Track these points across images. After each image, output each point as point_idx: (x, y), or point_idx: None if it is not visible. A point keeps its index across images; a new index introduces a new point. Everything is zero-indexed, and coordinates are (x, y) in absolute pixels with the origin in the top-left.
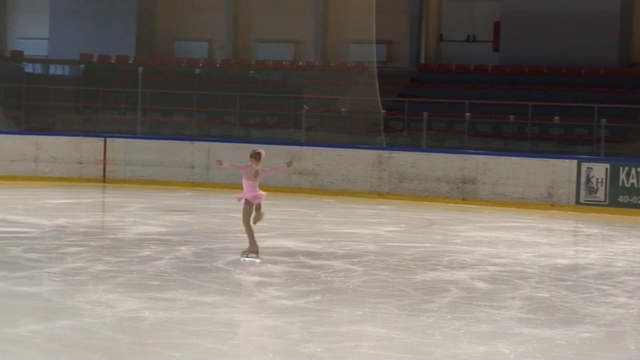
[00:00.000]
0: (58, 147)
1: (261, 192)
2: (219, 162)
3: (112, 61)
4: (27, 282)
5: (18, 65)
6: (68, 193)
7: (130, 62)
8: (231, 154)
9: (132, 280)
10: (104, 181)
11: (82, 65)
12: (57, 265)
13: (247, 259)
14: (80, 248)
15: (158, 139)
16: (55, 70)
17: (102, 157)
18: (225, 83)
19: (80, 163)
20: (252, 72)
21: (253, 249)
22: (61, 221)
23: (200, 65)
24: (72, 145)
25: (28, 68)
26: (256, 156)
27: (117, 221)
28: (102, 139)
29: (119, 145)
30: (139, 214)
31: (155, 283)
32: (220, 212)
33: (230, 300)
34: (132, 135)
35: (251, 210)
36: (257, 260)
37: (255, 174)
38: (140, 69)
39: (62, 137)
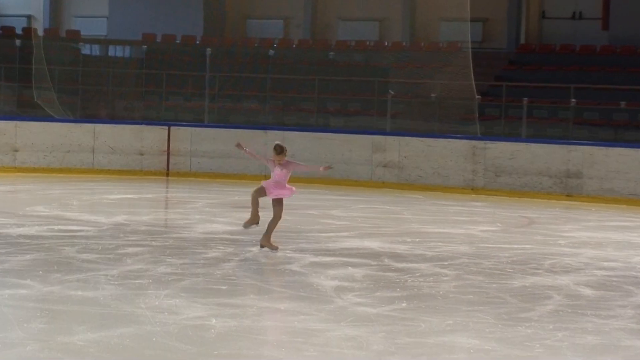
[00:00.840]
0: (117, 136)
1: (287, 191)
2: (240, 146)
3: (178, 42)
4: (82, 286)
5: (75, 47)
6: (128, 187)
7: (198, 42)
8: (309, 145)
9: (198, 284)
10: (167, 174)
11: (145, 47)
12: (115, 267)
13: (251, 231)
14: (140, 248)
15: (227, 128)
16: (115, 51)
17: (165, 148)
18: (302, 66)
19: (142, 154)
20: (332, 53)
21: (254, 220)
22: (120, 218)
23: (275, 45)
24: (132, 134)
25: (85, 49)
26: (277, 149)
27: (182, 219)
28: (166, 127)
29: (184, 135)
30: (205, 211)
31: (223, 288)
32: (296, 208)
33: (306, 307)
34: (199, 123)
35: (262, 193)
36: (275, 250)
37: (280, 167)
38: (209, 51)
39: (122, 126)
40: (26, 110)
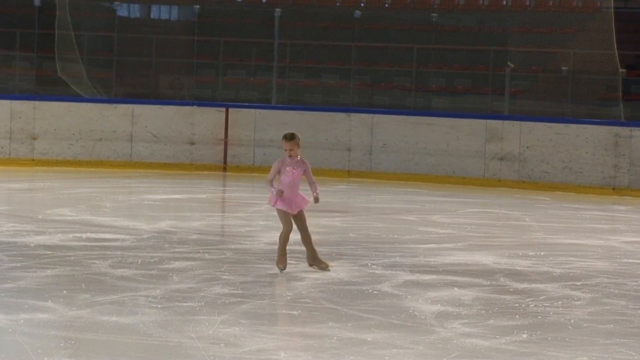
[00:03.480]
0: (162, 121)
1: (302, 199)
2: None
3: (238, 0)
4: (118, 310)
5: (109, 6)
6: (175, 185)
7: (264, 1)
8: (404, 131)
9: (263, 308)
10: (224, 169)
11: (197, 7)
12: (159, 286)
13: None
14: (190, 262)
15: (300, 110)
16: (160, 13)
17: (222, 136)
18: (396, 31)
19: (192, 143)
20: (434, 14)
21: (280, 263)
22: (165, 225)
23: (362, 5)
24: (181, 118)
25: (122, 10)
26: (287, 136)
27: (242, 225)
28: (223, 109)
29: (246, 119)
30: (272, 216)
31: (295, 313)
32: (388, 213)
33: (400, 338)
34: (265, 104)
35: (289, 221)
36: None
37: (293, 165)
38: (278, 12)
39: (168, 108)
40: (47, 87)
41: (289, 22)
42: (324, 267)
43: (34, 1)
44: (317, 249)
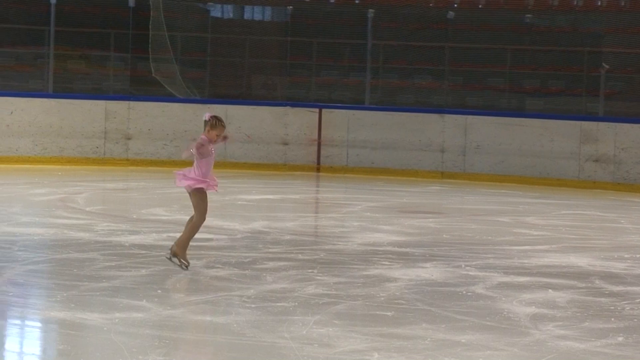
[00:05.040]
0: (255, 121)
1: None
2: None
3: (332, 1)
4: (211, 310)
5: (202, 7)
6: (268, 186)
7: (357, 1)
8: (497, 132)
9: (356, 309)
10: (317, 169)
11: (290, 7)
12: (253, 286)
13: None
14: (284, 263)
15: (393, 111)
16: (253, 13)
17: (315, 136)
18: (490, 32)
19: (286, 144)
20: (528, 15)
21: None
22: (258, 225)
23: (455, 6)
24: (274, 118)
25: (216, 11)
26: (223, 123)
27: (336, 226)
28: (317, 110)
29: (339, 119)
30: (365, 217)
31: (389, 314)
32: (481, 214)
33: (494, 340)
34: (358, 105)
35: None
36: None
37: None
38: (371, 12)
39: (261, 108)
40: (141, 87)
41: (382, 22)
42: (184, 264)
43: (129, 2)
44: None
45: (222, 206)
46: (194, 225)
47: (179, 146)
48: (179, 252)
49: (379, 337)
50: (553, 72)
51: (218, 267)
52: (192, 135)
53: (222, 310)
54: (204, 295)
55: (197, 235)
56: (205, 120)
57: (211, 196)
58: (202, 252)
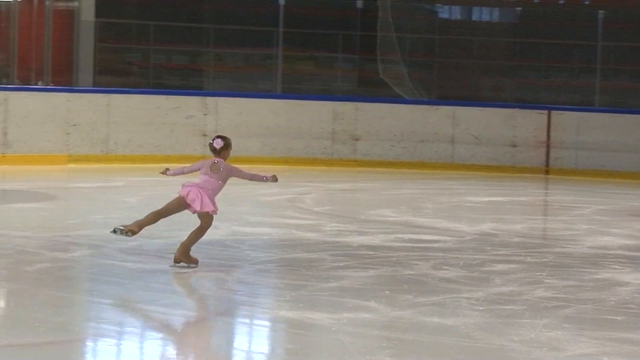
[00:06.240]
0: (483, 123)
1: (212, 205)
2: (165, 171)
3: (561, 2)
4: (439, 311)
5: (430, 9)
6: (496, 187)
7: (587, 2)
8: None
9: (585, 313)
10: (546, 171)
11: (519, 9)
12: (481, 288)
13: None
14: (512, 265)
15: (623, 113)
16: (481, 15)
17: (544, 138)
18: None
19: (514, 146)
20: None
21: (131, 227)
22: (486, 227)
23: None
24: (502, 120)
25: (444, 12)
26: (209, 146)
27: (565, 229)
28: (545, 112)
29: (568, 121)
30: (595, 220)
31: (618, 318)
32: None
33: None
34: (588, 107)
35: (173, 209)
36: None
37: (213, 168)
38: (601, 14)
39: (489, 110)
40: (369, 89)
41: (613, 23)
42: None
43: (357, 3)
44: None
45: (449, 208)
46: (202, 230)
47: (406, 147)
48: (182, 258)
49: (608, 342)
50: None
51: (446, 269)
52: (419, 137)
53: (450, 312)
54: (431, 297)
55: (424, 237)
56: (226, 144)
57: (439, 198)
58: (430, 253)
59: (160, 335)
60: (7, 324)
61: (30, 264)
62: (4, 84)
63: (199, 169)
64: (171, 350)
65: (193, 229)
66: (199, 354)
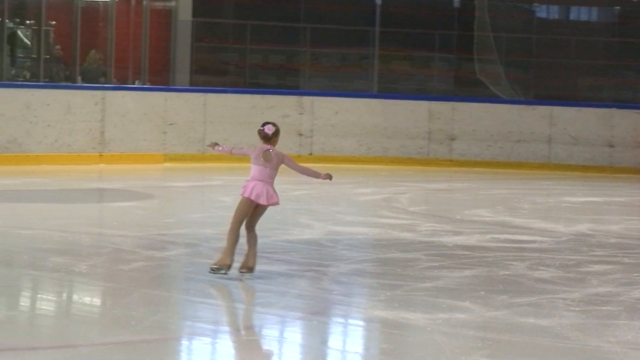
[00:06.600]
0: (580, 123)
1: (275, 194)
2: (213, 145)
3: None
4: (535, 312)
5: (527, 8)
6: (593, 188)
7: None
8: None
9: None
10: None
11: (617, 8)
12: (577, 289)
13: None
14: (609, 266)
15: None
16: (579, 14)
17: None
18: None
19: (611, 146)
20: None
21: (225, 262)
22: (583, 228)
23: None
24: (600, 120)
25: (541, 11)
26: (259, 133)
27: None
28: None
29: None
30: None
31: None
32: None
33: None
34: None
35: (247, 212)
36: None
37: (266, 157)
38: None
39: (587, 110)
40: (465, 88)
41: None
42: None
43: (454, 3)
44: None
45: (546, 208)
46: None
47: (503, 147)
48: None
49: None
50: None
51: (542, 269)
52: (516, 137)
53: (546, 313)
54: (527, 298)
55: (520, 237)
56: (277, 130)
57: (536, 198)
58: (526, 254)
59: (255, 334)
60: (103, 323)
61: (126, 263)
62: (101, 84)
63: (248, 155)
64: (266, 350)
65: (249, 240)
66: (294, 354)
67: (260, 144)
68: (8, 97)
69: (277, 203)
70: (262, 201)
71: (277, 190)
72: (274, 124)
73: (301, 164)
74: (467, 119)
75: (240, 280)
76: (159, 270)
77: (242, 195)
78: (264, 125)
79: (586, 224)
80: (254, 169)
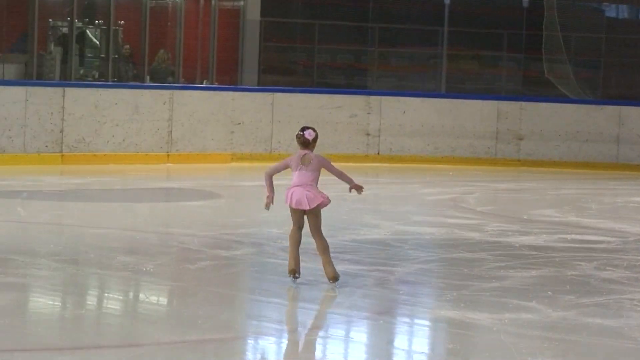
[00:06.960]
0: None
1: (320, 195)
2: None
3: None
4: (602, 312)
5: (597, 8)
6: None
7: None
8: None
9: None
10: None
11: None
12: None
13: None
14: None
15: None
16: None
17: None
18: None
19: None
20: None
21: (290, 267)
22: None
23: None
24: None
25: (611, 11)
26: (299, 138)
27: None
28: None
29: None
30: None
31: None
32: None
33: None
34: None
35: (296, 219)
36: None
37: (304, 160)
38: None
39: None
40: (533, 88)
41: None
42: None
43: (522, 2)
44: None
45: (614, 208)
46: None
47: (571, 147)
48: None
49: None
50: None
51: (609, 270)
52: (584, 137)
53: (613, 314)
54: (594, 298)
55: (588, 237)
56: (316, 135)
57: (604, 198)
58: (593, 254)
59: (320, 333)
60: (170, 322)
61: (193, 262)
62: (169, 83)
63: (289, 166)
64: (331, 349)
65: (317, 248)
66: (359, 353)
67: (298, 151)
68: (77, 97)
69: (324, 204)
70: (305, 207)
71: (331, 190)
72: (313, 129)
73: (340, 169)
74: (535, 118)
75: (306, 280)
76: (226, 270)
77: (285, 203)
78: (303, 130)
79: None
80: (294, 176)
